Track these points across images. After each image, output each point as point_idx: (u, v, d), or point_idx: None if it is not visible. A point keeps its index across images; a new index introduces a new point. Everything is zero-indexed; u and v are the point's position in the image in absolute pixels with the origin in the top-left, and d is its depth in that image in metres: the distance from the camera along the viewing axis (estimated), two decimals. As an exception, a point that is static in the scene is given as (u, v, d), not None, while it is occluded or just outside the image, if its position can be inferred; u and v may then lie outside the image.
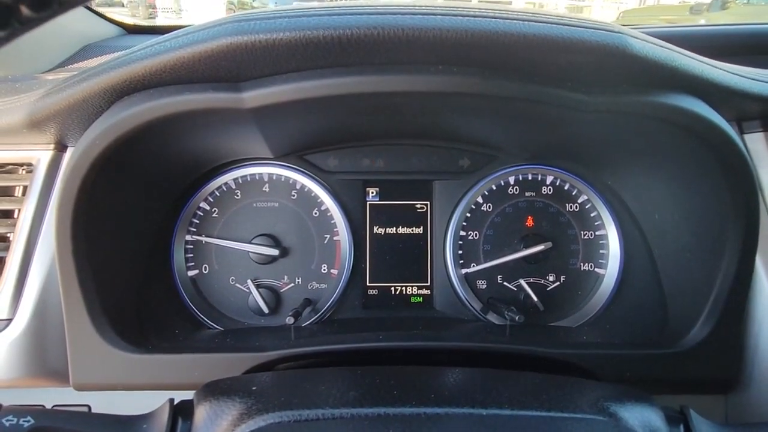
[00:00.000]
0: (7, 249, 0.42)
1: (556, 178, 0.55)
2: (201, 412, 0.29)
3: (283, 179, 0.53)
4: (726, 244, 0.42)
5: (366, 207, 0.55)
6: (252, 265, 0.53)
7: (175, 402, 0.31)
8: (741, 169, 0.40)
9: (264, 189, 0.53)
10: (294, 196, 0.54)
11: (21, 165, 0.44)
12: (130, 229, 0.46)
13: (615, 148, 0.48)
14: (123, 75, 0.35)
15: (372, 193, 0.55)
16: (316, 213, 0.54)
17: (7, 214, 0.42)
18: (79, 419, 0.28)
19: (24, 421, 0.26)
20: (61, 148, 0.43)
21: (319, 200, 0.54)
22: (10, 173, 0.44)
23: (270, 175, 0.53)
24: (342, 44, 0.31)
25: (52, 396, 0.44)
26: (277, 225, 0.53)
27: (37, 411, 0.28)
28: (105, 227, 0.42)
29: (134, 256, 0.47)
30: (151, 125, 0.38)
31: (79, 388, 0.41)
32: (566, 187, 0.55)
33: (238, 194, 0.53)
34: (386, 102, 0.37)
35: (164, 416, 0.29)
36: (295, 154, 0.53)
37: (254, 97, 0.35)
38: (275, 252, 0.52)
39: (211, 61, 0.32)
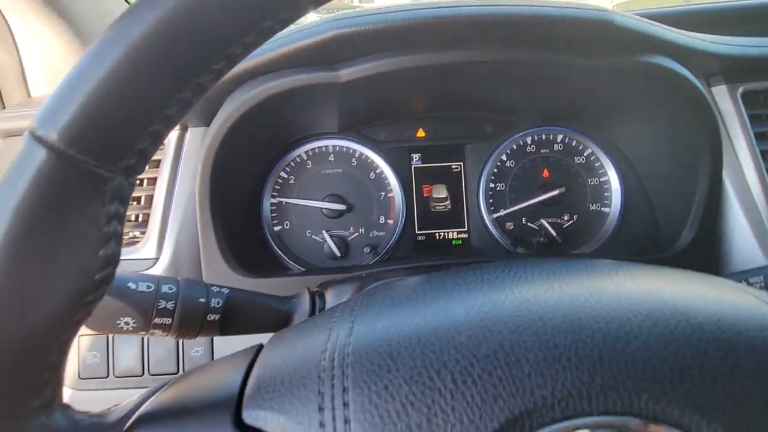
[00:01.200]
0: (150, 206, 0.55)
1: (565, 137, 0.67)
2: (330, 292, 0.41)
3: (345, 149, 0.66)
4: (700, 168, 0.55)
5: (411, 169, 0.67)
6: (324, 220, 0.65)
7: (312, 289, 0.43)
8: (706, 110, 0.53)
9: (330, 158, 0.66)
10: (354, 162, 0.66)
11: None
12: (238, 192, 0.59)
13: (611, 105, 0.61)
14: (252, 64, 0.48)
15: (415, 158, 0.68)
16: (372, 175, 0.66)
17: (152, 181, 0.55)
18: (247, 294, 0.40)
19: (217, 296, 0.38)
20: (183, 128, 0.56)
21: (374, 165, 0.66)
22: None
23: (334, 146, 0.66)
24: (414, 29, 0.44)
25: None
26: (342, 187, 0.66)
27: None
28: (225, 189, 0.55)
29: (239, 213, 0.60)
30: (263, 104, 0.50)
31: None
32: (574, 144, 0.67)
33: (309, 164, 0.66)
34: (442, 72, 0.51)
35: (306, 296, 0.41)
36: (353, 129, 0.66)
37: (348, 73, 0.48)
38: (343, 207, 0.65)
39: (318, 48, 0.46)
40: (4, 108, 0.64)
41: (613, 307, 0.23)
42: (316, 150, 0.66)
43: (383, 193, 0.67)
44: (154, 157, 0.57)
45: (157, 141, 0.23)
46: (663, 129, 0.59)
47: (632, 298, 0.24)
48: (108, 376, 0.57)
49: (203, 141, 0.53)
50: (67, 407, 0.24)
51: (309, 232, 0.66)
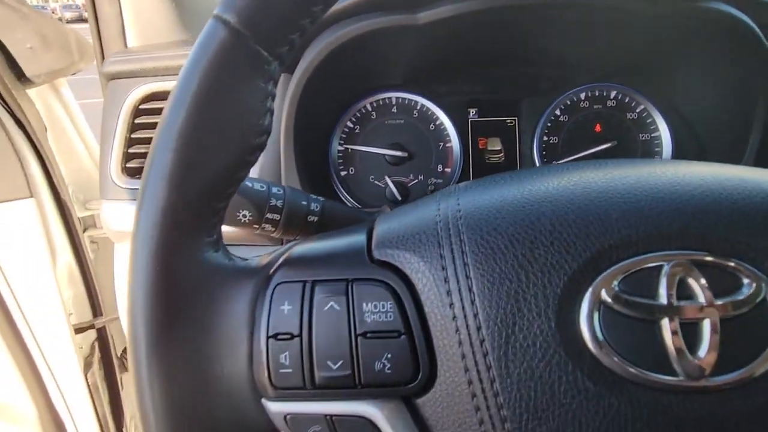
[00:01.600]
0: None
1: (618, 93, 0.70)
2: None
3: (407, 101, 0.71)
4: (754, 120, 0.58)
5: (468, 123, 0.72)
6: (386, 166, 0.70)
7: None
8: (764, 58, 0.55)
9: (393, 110, 0.71)
10: (415, 114, 0.71)
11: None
12: (313, 138, 0.65)
13: (667, 58, 0.64)
14: (336, 8, 0.53)
15: (472, 112, 0.72)
16: (432, 127, 0.71)
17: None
18: (339, 205, 0.45)
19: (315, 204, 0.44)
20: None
21: (434, 117, 0.71)
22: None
23: (398, 98, 0.71)
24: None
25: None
26: (403, 136, 0.70)
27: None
28: (304, 134, 0.60)
29: (314, 158, 0.66)
30: (341, 49, 0.55)
31: None
32: (627, 100, 0.70)
33: (374, 114, 0.71)
34: (513, 17, 0.55)
35: (387, 210, 0.46)
36: (416, 82, 0.70)
37: (426, 15, 0.52)
38: (404, 154, 0.69)
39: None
40: (104, 58, 0.71)
41: (690, 173, 0.27)
42: (380, 102, 0.71)
43: (442, 144, 0.72)
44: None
45: (303, 34, 0.28)
46: (718, 81, 0.61)
47: (706, 168, 0.28)
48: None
49: (288, 86, 0.59)
50: (227, 248, 0.29)
51: (372, 178, 0.71)
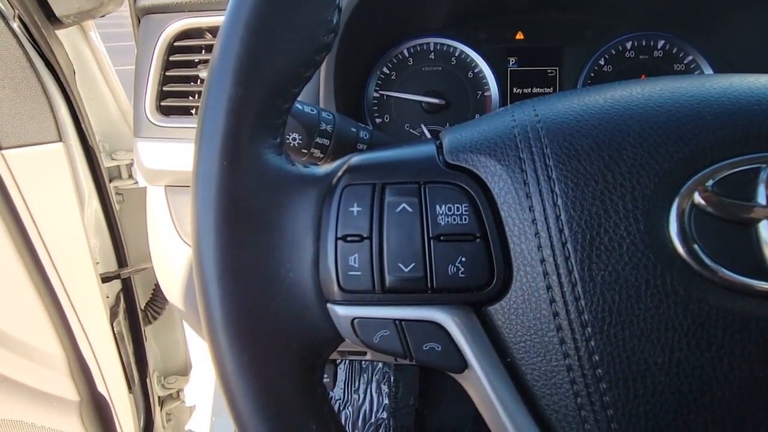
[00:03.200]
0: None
1: (666, 43, 0.67)
2: None
3: (445, 48, 0.69)
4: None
5: (508, 72, 0.69)
6: (422, 114, 0.69)
7: None
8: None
9: (431, 56, 0.69)
10: (453, 61, 0.69)
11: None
12: (349, 83, 0.63)
13: (721, 4, 0.61)
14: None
15: (512, 61, 0.70)
16: (470, 75, 0.69)
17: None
18: (386, 136, 0.44)
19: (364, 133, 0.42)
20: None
21: (473, 64, 0.69)
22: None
23: (435, 44, 0.69)
24: None
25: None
26: (440, 84, 0.69)
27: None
28: (342, 77, 0.58)
29: (350, 103, 0.64)
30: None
31: None
32: (674, 50, 0.67)
33: (411, 61, 0.69)
34: None
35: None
36: (455, 28, 0.68)
37: None
38: (442, 102, 0.68)
39: None
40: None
41: None
42: (418, 47, 0.69)
43: (480, 92, 0.70)
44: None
45: None
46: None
47: None
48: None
49: None
50: (288, 154, 0.28)
51: (407, 126, 0.70)
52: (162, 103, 0.60)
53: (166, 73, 0.60)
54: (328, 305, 0.26)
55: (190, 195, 0.26)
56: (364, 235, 0.25)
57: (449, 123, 0.69)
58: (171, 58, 0.60)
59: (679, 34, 0.66)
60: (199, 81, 0.61)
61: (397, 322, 0.25)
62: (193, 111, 0.61)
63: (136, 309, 1.05)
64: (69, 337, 0.92)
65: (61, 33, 0.79)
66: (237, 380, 0.25)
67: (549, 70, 0.69)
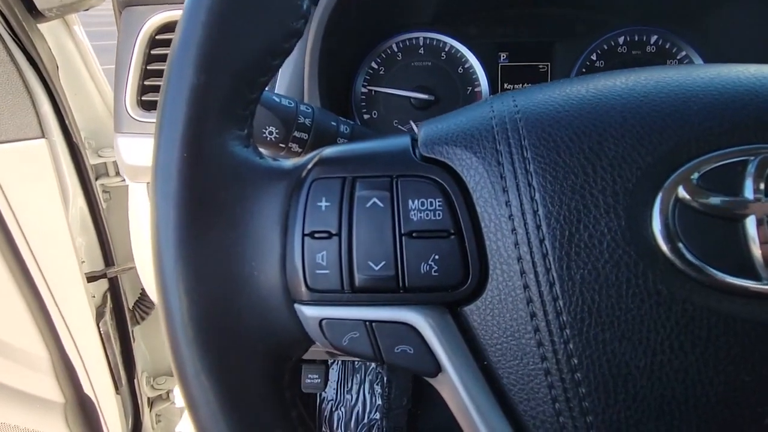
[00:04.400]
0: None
1: (659, 38, 0.66)
2: None
3: (435, 42, 0.67)
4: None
5: (498, 67, 0.68)
6: (411, 110, 0.67)
7: None
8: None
9: (420, 51, 0.68)
10: (443, 56, 0.68)
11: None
12: (335, 79, 0.62)
13: (713, 1, 0.59)
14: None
15: (503, 56, 0.69)
16: (460, 70, 0.68)
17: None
18: (367, 130, 0.43)
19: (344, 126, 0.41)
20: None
21: (463, 59, 0.67)
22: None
23: (425, 39, 0.67)
24: None
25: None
26: (430, 79, 0.67)
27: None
28: (328, 73, 0.57)
29: (336, 99, 0.63)
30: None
31: None
32: (668, 46, 0.66)
33: (400, 56, 0.68)
34: None
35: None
36: (445, 22, 0.67)
37: None
38: (430, 97, 0.66)
39: None
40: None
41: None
42: (407, 42, 0.68)
43: (470, 88, 0.68)
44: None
45: None
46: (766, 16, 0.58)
47: None
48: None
49: (310, 23, 0.56)
50: (257, 147, 0.27)
51: (396, 122, 0.68)
52: (143, 98, 0.59)
53: (147, 67, 0.59)
54: (296, 305, 0.25)
55: (150, 189, 0.25)
56: (333, 232, 0.24)
57: (438, 119, 0.68)
58: (152, 52, 0.59)
59: (671, 28, 0.65)
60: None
61: (367, 323, 0.24)
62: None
63: (123, 309, 1.03)
64: (53, 337, 0.91)
65: (43, 27, 0.77)
66: (198, 384, 0.23)
67: (541, 66, 0.68)
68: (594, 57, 0.67)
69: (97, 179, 0.97)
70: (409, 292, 0.24)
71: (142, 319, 1.10)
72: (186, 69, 0.24)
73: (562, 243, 0.22)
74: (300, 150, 0.38)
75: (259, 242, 0.25)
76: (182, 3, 0.61)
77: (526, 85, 0.68)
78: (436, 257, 0.23)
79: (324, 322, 0.24)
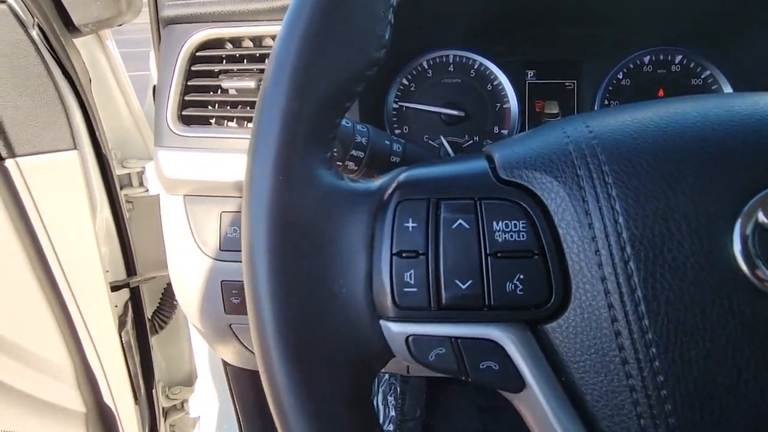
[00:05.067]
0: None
1: (684, 57, 0.68)
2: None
3: (464, 60, 0.69)
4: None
5: (526, 85, 0.70)
6: (441, 126, 0.69)
7: None
8: None
9: (450, 68, 0.69)
10: (473, 74, 0.69)
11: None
12: (370, 95, 0.63)
13: (739, 20, 0.61)
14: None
15: (530, 74, 0.70)
16: (489, 87, 0.69)
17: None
18: (419, 149, 0.44)
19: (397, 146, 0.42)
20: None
21: (492, 76, 0.69)
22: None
23: (455, 56, 0.69)
24: None
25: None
26: (459, 96, 0.69)
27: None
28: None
29: (372, 114, 0.65)
30: (401, 2, 0.53)
31: None
32: (692, 65, 0.68)
33: (430, 72, 0.69)
34: None
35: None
36: (474, 41, 0.68)
37: None
38: (461, 113, 0.68)
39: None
40: (157, 3, 0.69)
41: None
42: (437, 60, 0.69)
43: (499, 105, 0.70)
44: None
45: None
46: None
47: None
48: (245, 250, 0.62)
49: None
50: (338, 170, 0.28)
51: (426, 137, 0.70)
52: (183, 113, 0.60)
53: (188, 83, 0.60)
54: (381, 321, 0.26)
55: (243, 208, 0.26)
56: (420, 251, 0.25)
57: (468, 135, 0.69)
58: (193, 68, 0.60)
59: (696, 48, 0.67)
60: (219, 91, 0.61)
61: (453, 339, 0.25)
62: (212, 121, 0.61)
63: (143, 318, 1.04)
64: (77, 346, 0.91)
65: (78, 41, 0.79)
66: (288, 395, 0.24)
67: (567, 83, 0.70)
68: (620, 76, 0.69)
69: (121, 189, 0.98)
70: (493, 309, 0.25)
71: (161, 328, 1.10)
72: (281, 95, 0.25)
73: (647, 265, 0.23)
74: (355, 168, 0.40)
75: (347, 261, 0.26)
76: (221, 20, 0.62)
77: (552, 101, 0.70)
78: (521, 277, 0.24)
79: (410, 338, 0.25)
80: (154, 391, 1.08)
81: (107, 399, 0.98)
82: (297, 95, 0.25)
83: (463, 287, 0.24)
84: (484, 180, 0.26)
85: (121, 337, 0.96)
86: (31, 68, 0.72)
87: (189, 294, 0.65)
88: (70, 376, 0.92)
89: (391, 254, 0.25)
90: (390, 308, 0.25)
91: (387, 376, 1.26)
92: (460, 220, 0.25)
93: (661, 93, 0.68)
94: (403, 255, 0.25)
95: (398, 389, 1.26)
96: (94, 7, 0.74)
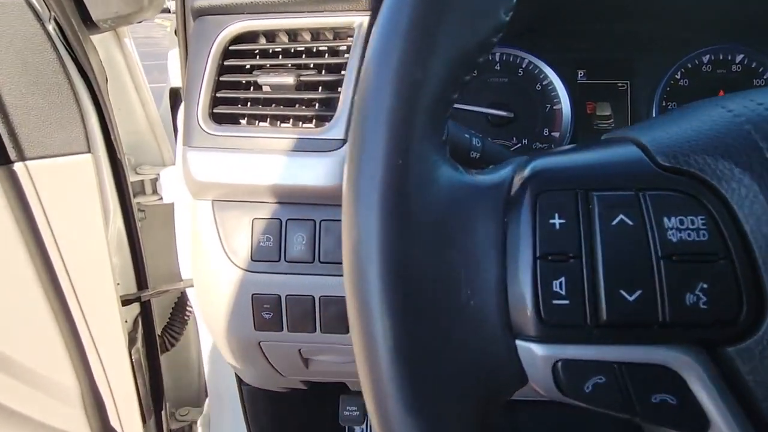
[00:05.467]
0: (339, 89, 0.55)
1: (745, 57, 0.64)
2: None
3: (511, 58, 0.65)
4: None
5: (576, 85, 0.66)
6: (487, 127, 0.64)
7: None
8: None
9: (496, 67, 0.65)
10: (520, 73, 0.65)
11: (343, 28, 0.56)
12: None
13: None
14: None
15: (580, 73, 0.66)
16: (538, 87, 0.65)
17: (338, 67, 0.55)
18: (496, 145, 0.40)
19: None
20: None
21: (542, 76, 0.65)
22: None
23: (501, 54, 0.65)
24: None
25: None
26: (506, 96, 0.65)
27: None
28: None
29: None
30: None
31: None
32: (753, 65, 0.64)
33: (475, 72, 0.65)
34: None
35: None
36: (521, 38, 0.64)
37: None
38: (510, 114, 0.63)
39: None
40: (183, -3, 0.65)
41: None
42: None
43: (549, 106, 0.65)
44: (343, 43, 0.57)
45: None
46: None
47: None
48: (279, 260, 0.57)
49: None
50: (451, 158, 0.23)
51: (472, 140, 0.65)
52: (215, 110, 0.55)
53: (221, 79, 0.55)
54: (519, 342, 0.21)
55: (347, 199, 0.21)
56: (572, 254, 0.20)
57: (516, 137, 0.64)
58: (226, 63, 0.55)
59: (759, 47, 0.63)
60: (252, 88, 0.56)
61: (616, 365, 0.20)
62: (243, 120, 0.56)
63: (154, 335, 0.98)
64: (84, 365, 0.85)
65: (94, 39, 0.74)
66: (403, 426, 0.19)
67: (620, 84, 0.66)
68: (678, 75, 0.65)
69: (134, 197, 0.93)
70: (667, 327, 0.20)
71: (172, 345, 1.04)
72: (400, 62, 0.20)
73: None
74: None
75: (474, 266, 0.21)
76: (257, 12, 0.58)
77: (603, 102, 0.66)
78: (704, 286, 0.19)
79: (560, 363, 0.20)
80: (163, 413, 1.02)
81: (114, 422, 0.92)
82: (420, 59, 0.20)
83: (630, 299, 0.19)
84: (642, 167, 0.21)
85: (131, 355, 0.90)
86: (45, 65, 0.67)
87: (214, 308, 0.60)
88: (75, 398, 0.86)
89: (534, 257, 0.20)
90: (532, 325, 0.20)
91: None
92: (621, 216, 0.20)
93: (721, 93, 0.64)
94: (550, 258, 0.20)
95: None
96: (115, 1, 0.69)
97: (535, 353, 0.20)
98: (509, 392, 0.22)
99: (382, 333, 0.19)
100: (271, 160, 0.54)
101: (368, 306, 0.20)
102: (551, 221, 0.20)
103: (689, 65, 0.64)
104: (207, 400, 1.18)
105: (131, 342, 0.91)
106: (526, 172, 0.22)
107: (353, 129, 0.21)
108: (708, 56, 0.64)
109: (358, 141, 0.21)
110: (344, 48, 0.57)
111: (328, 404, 1.08)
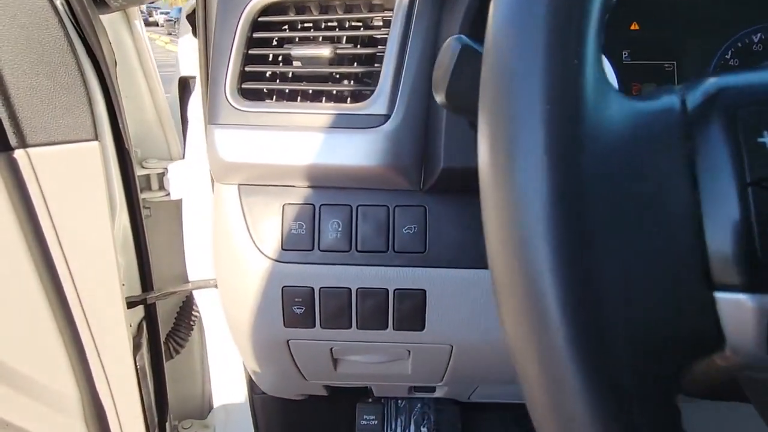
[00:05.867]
0: (381, 63, 0.50)
1: (797, 35, 0.62)
2: None
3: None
4: None
5: (621, 66, 0.62)
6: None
7: None
8: None
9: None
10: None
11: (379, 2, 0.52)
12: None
13: None
14: None
15: (625, 54, 0.63)
16: (582, 66, 0.61)
17: (376, 41, 0.51)
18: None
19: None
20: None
21: (586, 54, 0.61)
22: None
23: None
24: None
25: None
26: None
27: None
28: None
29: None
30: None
31: None
32: (807, 44, 0.62)
33: None
34: None
35: None
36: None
37: None
38: (554, 95, 0.60)
39: None
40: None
41: None
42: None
43: (594, 86, 0.62)
44: (379, 15, 0.53)
45: None
46: None
47: None
48: (313, 249, 0.52)
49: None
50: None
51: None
52: (243, 86, 0.51)
53: (249, 52, 0.51)
54: (718, 295, 0.16)
55: (498, 142, 0.17)
56: None
57: (560, 120, 0.61)
58: (255, 36, 0.51)
59: (812, 25, 0.61)
60: (282, 62, 0.52)
61: None
62: (273, 97, 0.52)
63: (158, 340, 0.92)
64: (85, 373, 0.79)
65: (104, 19, 0.69)
66: (576, 392, 0.15)
67: (666, 65, 0.63)
68: (728, 55, 0.62)
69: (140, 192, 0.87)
70: None
71: (177, 352, 0.98)
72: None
73: None
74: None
75: (660, 202, 0.16)
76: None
77: (651, 84, 0.63)
78: None
79: None
80: (167, 424, 0.95)
81: (116, 434, 0.85)
82: None
83: None
84: None
85: (135, 363, 0.84)
86: (51, 42, 0.62)
87: (239, 303, 0.55)
88: (75, 407, 0.79)
89: (745, 184, 0.16)
90: (742, 270, 0.16)
91: (419, 404, 1.15)
92: None
93: (773, 74, 0.61)
94: (764, 184, 0.16)
95: (432, 419, 1.16)
96: (127, -23, 0.65)
97: (744, 306, 0.16)
98: (699, 355, 0.17)
99: (551, 271, 0.15)
100: (305, 137, 0.49)
101: (533, 253, 0.15)
102: (761, 140, 0.16)
103: (739, 44, 0.61)
104: (211, 412, 1.11)
105: (136, 348, 0.85)
106: (710, 88, 0.18)
107: (494, 80, 0.17)
108: (759, 35, 0.61)
109: (509, 77, 0.17)
110: (380, 22, 0.53)
111: (343, 414, 1.02)
